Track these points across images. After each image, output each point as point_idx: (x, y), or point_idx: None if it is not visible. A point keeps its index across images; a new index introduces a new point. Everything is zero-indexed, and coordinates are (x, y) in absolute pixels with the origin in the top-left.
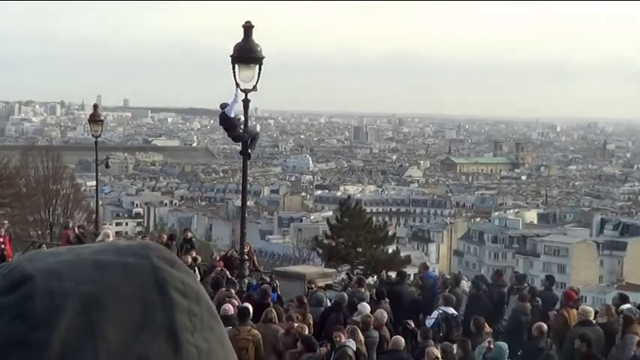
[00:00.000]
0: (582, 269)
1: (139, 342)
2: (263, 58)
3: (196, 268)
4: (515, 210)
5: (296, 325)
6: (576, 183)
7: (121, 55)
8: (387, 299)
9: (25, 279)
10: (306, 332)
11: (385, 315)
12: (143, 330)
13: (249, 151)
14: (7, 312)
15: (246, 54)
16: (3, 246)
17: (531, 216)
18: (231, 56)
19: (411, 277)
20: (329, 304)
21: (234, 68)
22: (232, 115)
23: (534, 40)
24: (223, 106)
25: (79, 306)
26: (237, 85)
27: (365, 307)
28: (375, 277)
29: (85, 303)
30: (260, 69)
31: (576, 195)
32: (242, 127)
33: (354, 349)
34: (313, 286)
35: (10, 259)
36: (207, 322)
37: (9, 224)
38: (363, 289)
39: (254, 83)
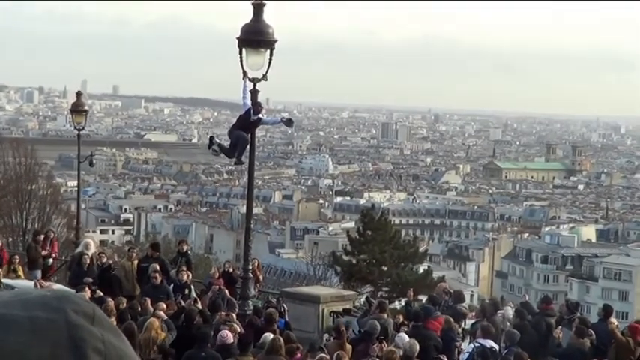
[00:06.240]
0: None
1: None
2: (275, 41)
3: (191, 287)
4: (570, 225)
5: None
6: None
7: (109, 35)
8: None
9: None
10: None
11: (417, 346)
12: None
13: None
14: None
15: (255, 36)
16: None
17: (589, 232)
18: (237, 39)
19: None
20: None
21: (240, 53)
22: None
23: (595, 28)
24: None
25: None
26: (245, 73)
27: (402, 339)
28: (403, 300)
29: None
30: (271, 54)
31: None
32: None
33: None
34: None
35: None
36: None
37: None
38: (385, 315)
39: (264, 71)
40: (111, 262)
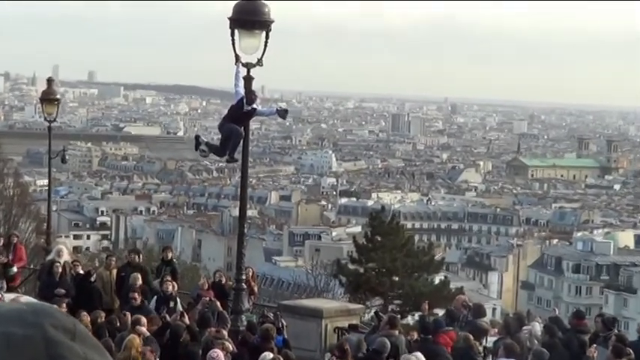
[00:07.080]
0: None
1: None
2: (272, 22)
3: (177, 300)
4: (605, 230)
5: None
6: None
7: (84, 15)
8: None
9: None
10: None
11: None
12: None
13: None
14: None
15: (249, 16)
16: None
17: (626, 238)
18: (229, 19)
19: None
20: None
21: (233, 35)
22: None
23: (630, 9)
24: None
25: None
26: (237, 57)
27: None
28: (416, 315)
29: None
30: (267, 37)
31: None
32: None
33: None
34: None
35: None
36: None
37: None
38: (396, 332)
39: (259, 55)
40: (90, 268)
